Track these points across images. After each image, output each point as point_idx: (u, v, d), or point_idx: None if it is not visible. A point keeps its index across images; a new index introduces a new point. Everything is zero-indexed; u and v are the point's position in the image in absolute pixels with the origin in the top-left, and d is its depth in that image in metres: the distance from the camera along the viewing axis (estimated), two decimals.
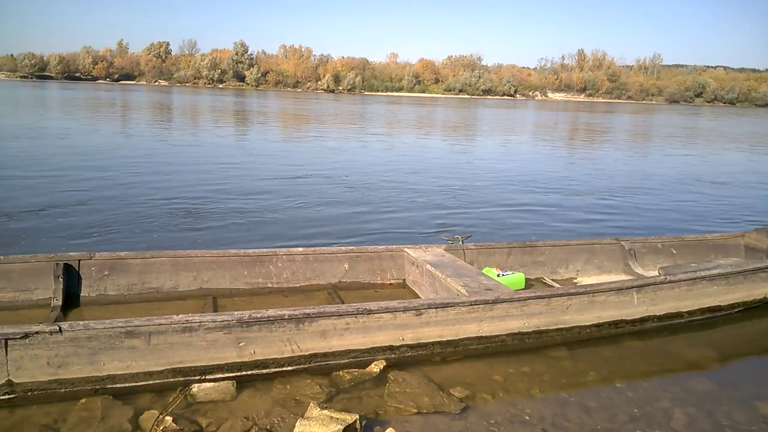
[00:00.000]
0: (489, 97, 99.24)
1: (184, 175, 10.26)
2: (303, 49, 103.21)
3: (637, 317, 4.16)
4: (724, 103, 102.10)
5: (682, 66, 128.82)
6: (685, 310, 4.32)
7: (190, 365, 3.09)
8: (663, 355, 4.02)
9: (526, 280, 4.94)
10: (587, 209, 8.77)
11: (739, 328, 4.51)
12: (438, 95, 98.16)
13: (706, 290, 4.34)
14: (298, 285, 4.64)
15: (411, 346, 3.56)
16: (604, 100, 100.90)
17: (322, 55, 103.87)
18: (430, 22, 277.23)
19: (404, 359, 3.57)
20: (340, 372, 3.39)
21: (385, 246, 5.03)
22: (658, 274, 4.70)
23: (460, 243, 5.00)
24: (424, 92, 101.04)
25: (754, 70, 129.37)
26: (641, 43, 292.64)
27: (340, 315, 3.32)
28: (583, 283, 4.97)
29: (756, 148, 22.28)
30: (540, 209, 8.58)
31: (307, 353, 3.32)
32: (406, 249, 4.90)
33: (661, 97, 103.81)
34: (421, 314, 3.51)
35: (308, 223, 7.18)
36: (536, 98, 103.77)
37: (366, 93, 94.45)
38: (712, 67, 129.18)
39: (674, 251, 5.43)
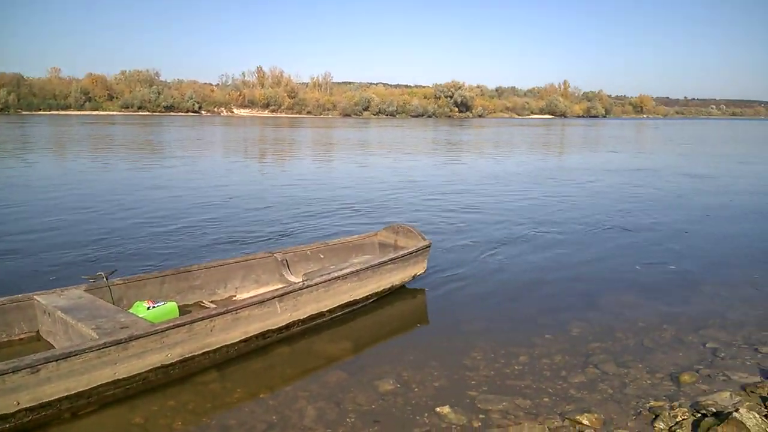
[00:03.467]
0: (172, 113, 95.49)
1: None
2: None
3: (283, 324, 4.42)
4: (387, 115, 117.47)
5: (350, 83, 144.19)
6: (325, 310, 4.77)
7: None
8: (308, 355, 4.36)
9: (183, 307, 4.83)
10: (247, 223, 9.04)
11: (373, 317, 5.17)
12: (114, 113, 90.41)
13: (342, 288, 4.86)
14: None
15: (30, 410, 3.13)
16: (287, 115, 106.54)
17: None
18: (97, 34, 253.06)
19: (23, 426, 3.12)
20: None
21: (8, 297, 4.33)
22: (301, 280, 5.09)
23: (104, 280, 4.61)
24: (97, 110, 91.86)
25: (407, 86, 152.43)
26: (313, 62, 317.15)
27: None
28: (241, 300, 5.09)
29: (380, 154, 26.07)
30: (201, 227, 8.52)
31: None
32: (36, 296, 4.31)
33: (336, 111, 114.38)
34: (37, 371, 3.11)
35: None
36: (222, 114, 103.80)
37: (24, 113, 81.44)
38: (374, 83, 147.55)
39: (322, 256, 5.96)
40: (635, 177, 16.51)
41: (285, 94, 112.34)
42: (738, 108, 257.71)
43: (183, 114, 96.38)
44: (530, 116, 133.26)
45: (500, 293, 5.90)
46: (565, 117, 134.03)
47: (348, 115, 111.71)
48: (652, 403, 3.59)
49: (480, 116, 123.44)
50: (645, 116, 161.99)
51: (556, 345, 4.55)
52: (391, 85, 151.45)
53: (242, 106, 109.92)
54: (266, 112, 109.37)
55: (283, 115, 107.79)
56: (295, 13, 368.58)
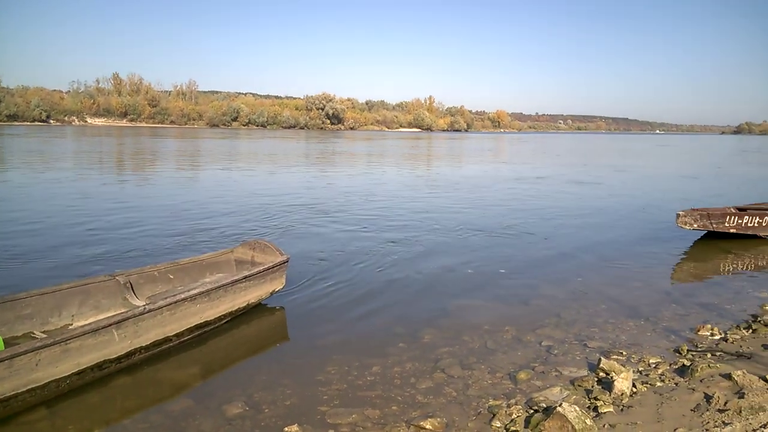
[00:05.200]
0: (17, 123, 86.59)
1: None
2: None
3: (123, 353, 4.13)
4: (257, 126, 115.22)
5: (217, 92, 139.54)
6: (172, 334, 4.53)
7: None
8: (151, 384, 4.10)
9: (10, 339, 4.34)
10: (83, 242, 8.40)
11: (227, 338, 4.99)
12: None
13: (190, 310, 4.65)
14: None
15: None
16: (148, 125, 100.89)
17: None
18: None
19: None
20: None
21: None
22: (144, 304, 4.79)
23: None
24: None
25: (277, 97, 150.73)
26: (176, 70, 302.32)
27: None
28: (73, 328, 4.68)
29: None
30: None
31: None
32: None
33: (202, 121, 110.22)
34: None
35: None
36: (74, 123, 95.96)
37: None
38: (242, 93, 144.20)
39: (171, 276, 5.64)
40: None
41: (145, 103, 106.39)
42: (582, 123, 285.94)
43: (29, 123, 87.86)
44: (399, 129, 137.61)
45: (359, 305, 5.96)
46: (431, 130, 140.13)
47: (216, 126, 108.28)
48: (491, 402, 3.82)
49: (352, 129, 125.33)
50: (502, 130, 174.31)
51: (408, 353, 4.69)
52: (260, 96, 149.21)
53: (97, 115, 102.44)
54: (124, 121, 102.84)
55: (144, 124, 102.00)
56: (154, 17, 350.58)
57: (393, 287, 6.60)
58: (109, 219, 10.28)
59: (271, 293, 5.67)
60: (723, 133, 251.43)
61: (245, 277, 5.16)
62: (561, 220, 11.57)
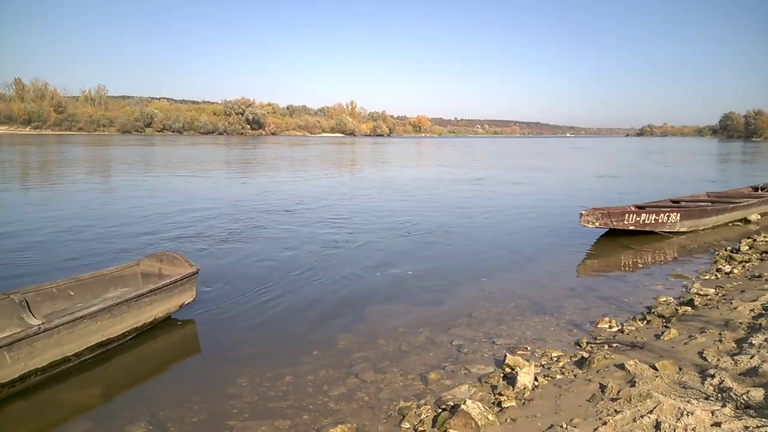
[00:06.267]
0: None
1: None
2: None
3: (16, 376, 3.88)
4: (173, 131, 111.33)
5: (129, 97, 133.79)
6: (71, 354, 4.30)
7: None
8: (48, 408, 3.88)
9: None
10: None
11: (133, 355, 4.79)
12: None
13: (90, 328, 4.43)
14: None
15: None
16: (55, 132, 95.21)
17: None
18: None
19: None
20: None
21: None
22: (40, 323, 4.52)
23: None
24: None
25: (194, 102, 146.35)
26: (84, 74, 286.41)
27: None
28: None
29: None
30: None
31: None
32: None
33: (113, 128, 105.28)
34: None
35: None
36: None
37: None
38: (156, 98, 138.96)
39: (71, 293, 5.35)
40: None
41: (51, 109, 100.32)
42: (498, 127, 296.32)
43: None
44: (322, 134, 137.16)
45: (274, 315, 5.87)
46: (354, 135, 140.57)
47: (128, 132, 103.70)
48: (402, 404, 3.89)
49: (273, 134, 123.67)
50: (423, 135, 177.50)
51: (322, 360, 4.68)
52: (176, 101, 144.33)
53: None
54: (28, 128, 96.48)
55: (50, 132, 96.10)
56: (59, 16, 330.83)
57: (310, 294, 6.56)
58: (3, 232, 9.60)
59: (181, 306, 5.50)
60: (628, 135, 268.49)
61: (150, 291, 4.98)
62: (484, 220, 11.96)
